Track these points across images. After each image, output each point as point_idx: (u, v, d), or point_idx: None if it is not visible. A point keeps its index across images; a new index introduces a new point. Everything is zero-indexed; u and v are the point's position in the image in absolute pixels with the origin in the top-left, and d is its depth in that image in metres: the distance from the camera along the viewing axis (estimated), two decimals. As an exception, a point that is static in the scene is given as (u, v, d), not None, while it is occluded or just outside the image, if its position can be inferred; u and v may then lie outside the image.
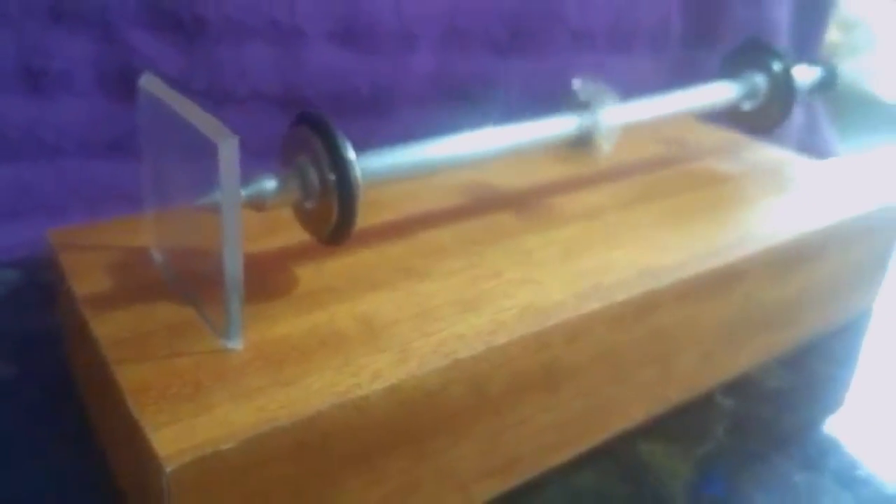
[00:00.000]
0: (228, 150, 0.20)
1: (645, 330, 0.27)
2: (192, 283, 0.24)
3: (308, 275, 0.26)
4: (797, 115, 0.63)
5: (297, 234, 0.26)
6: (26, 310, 0.35)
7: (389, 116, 0.48)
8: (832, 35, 0.83)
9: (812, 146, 0.65)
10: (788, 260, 0.31)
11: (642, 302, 0.26)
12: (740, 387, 0.32)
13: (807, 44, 0.64)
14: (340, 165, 0.24)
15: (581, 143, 0.31)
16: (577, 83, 0.31)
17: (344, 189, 0.24)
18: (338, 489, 0.21)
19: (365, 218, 0.25)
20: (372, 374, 0.21)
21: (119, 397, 0.20)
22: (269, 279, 0.26)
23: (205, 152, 0.21)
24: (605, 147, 0.31)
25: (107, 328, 0.23)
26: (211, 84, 0.44)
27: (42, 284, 0.34)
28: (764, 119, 0.37)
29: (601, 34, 0.53)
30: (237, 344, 0.22)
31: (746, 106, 0.37)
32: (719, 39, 0.56)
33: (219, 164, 0.20)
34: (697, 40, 0.57)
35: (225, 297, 0.21)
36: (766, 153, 0.40)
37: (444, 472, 0.24)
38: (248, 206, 0.23)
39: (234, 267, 0.21)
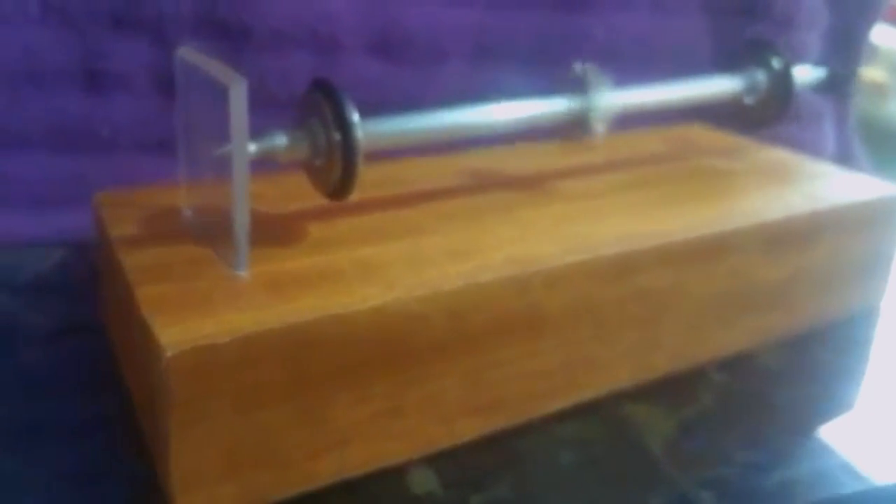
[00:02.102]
0: (238, 92, 0.23)
1: (627, 289, 0.29)
2: (214, 231, 0.27)
3: (318, 229, 0.29)
4: (830, 145, 0.64)
5: (312, 201, 0.29)
6: (70, 280, 0.38)
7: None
8: (879, 75, 0.84)
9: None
10: (777, 239, 0.32)
11: (623, 260, 0.28)
12: (734, 364, 0.33)
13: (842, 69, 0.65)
14: (344, 125, 0.26)
15: (577, 124, 0.33)
16: (576, 67, 0.34)
17: (347, 146, 0.26)
18: (326, 401, 0.24)
19: (378, 190, 0.28)
20: (361, 297, 0.24)
21: (136, 311, 0.23)
22: (282, 231, 0.29)
23: (222, 103, 0.24)
24: (600, 129, 0.33)
25: (133, 259, 0.26)
26: (254, 88, 0.47)
27: (88, 261, 0.38)
28: (763, 114, 0.39)
29: (628, 53, 0.55)
30: (244, 271, 0.25)
31: (748, 100, 0.39)
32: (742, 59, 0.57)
33: (230, 104, 0.23)
34: (724, 63, 0.58)
35: (233, 228, 0.24)
36: (772, 154, 0.41)
37: (428, 402, 0.26)
38: (261, 157, 0.26)
39: (240, 200, 0.24)
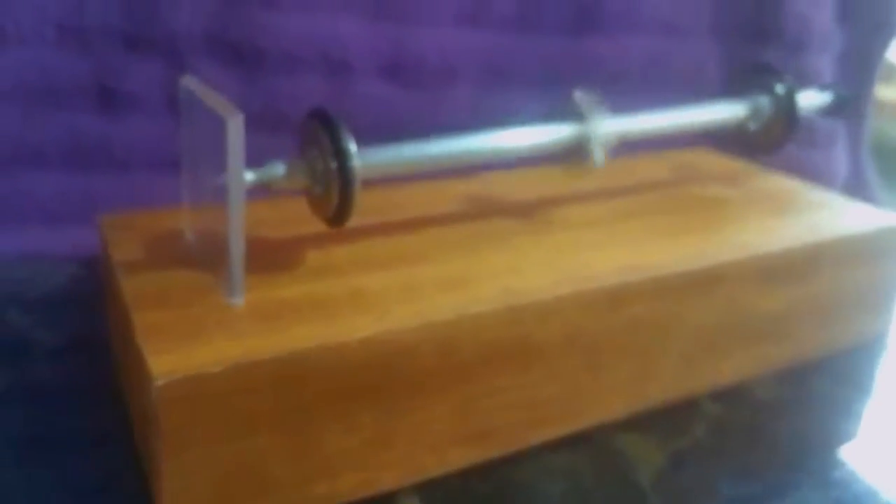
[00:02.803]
0: (235, 125, 0.24)
1: (620, 321, 0.29)
2: (213, 255, 0.28)
3: (316, 255, 0.29)
4: (843, 168, 0.64)
5: (313, 227, 0.29)
6: (80, 295, 0.39)
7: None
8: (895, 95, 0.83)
9: (857, 198, 0.65)
10: (774, 271, 0.32)
11: (616, 292, 0.28)
12: (730, 395, 0.33)
13: (852, 92, 0.65)
14: (341, 154, 0.27)
15: (577, 151, 0.33)
16: (577, 95, 0.34)
17: (343, 174, 0.27)
18: (316, 429, 0.24)
19: (378, 215, 0.28)
20: (352, 328, 0.24)
21: (132, 336, 0.24)
22: (279, 257, 0.29)
23: (221, 134, 0.24)
24: (600, 155, 0.33)
25: (132, 283, 0.26)
26: (266, 109, 0.49)
27: (98, 277, 0.39)
28: (768, 139, 0.39)
29: (637, 75, 0.55)
30: (239, 300, 0.25)
31: (752, 126, 0.39)
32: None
33: (227, 137, 0.24)
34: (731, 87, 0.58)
35: (228, 257, 0.25)
36: (776, 181, 0.41)
37: (418, 431, 0.26)
38: (258, 188, 0.27)
39: (236, 230, 0.25)
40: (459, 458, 0.27)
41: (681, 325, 0.31)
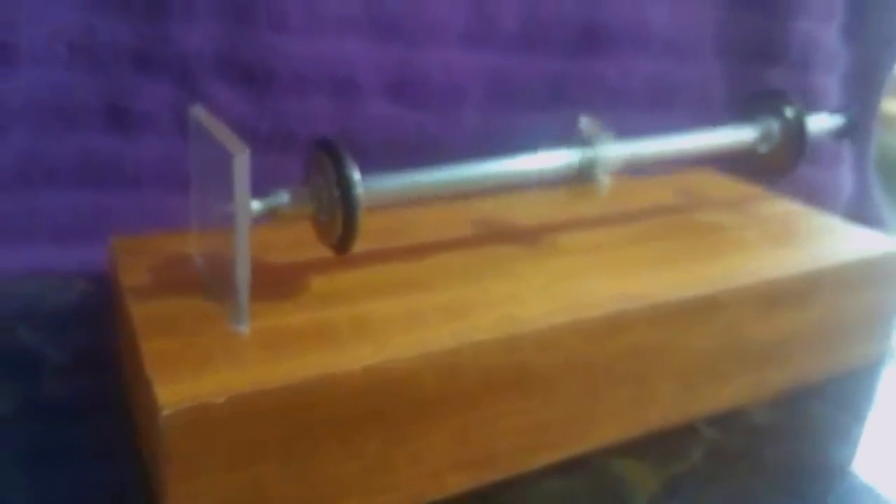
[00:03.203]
0: (241, 162, 0.24)
1: (618, 348, 0.29)
2: (221, 280, 0.29)
3: (321, 283, 0.30)
4: (848, 186, 0.64)
5: (318, 251, 0.30)
6: (90, 311, 0.40)
7: (436, 163, 0.53)
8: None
9: (861, 215, 0.66)
10: (772, 298, 0.33)
11: (613, 321, 0.29)
12: (727, 419, 0.34)
13: (859, 118, 0.65)
14: (344, 183, 0.28)
15: (582, 176, 0.34)
16: (583, 120, 0.35)
17: (347, 204, 0.28)
18: (319, 455, 0.25)
19: (382, 240, 0.29)
20: (354, 357, 0.25)
21: (140, 362, 0.24)
22: (284, 283, 0.30)
23: (228, 167, 0.25)
24: (605, 180, 0.34)
25: (141, 309, 0.27)
26: (275, 129, 0.49)
27: (108, 293, 0.40)
28: (777, 163, 0.40)
29: (640, 94, 0.56)
30: (244, 328, 0.26)
31: (761, 149, 0.40)
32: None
33: (233, 172, 0.24)
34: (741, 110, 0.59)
35: (234, 288, 0.26)
36: (779, 206, 0.41)
37: (418, 457, 0.27)
38: (265, 215, 0.28)
39: (242, 261, 0.25)
40: (459, 483, 0.28)
41: (678, 351, 0.31)
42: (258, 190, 0.46)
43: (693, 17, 0.55)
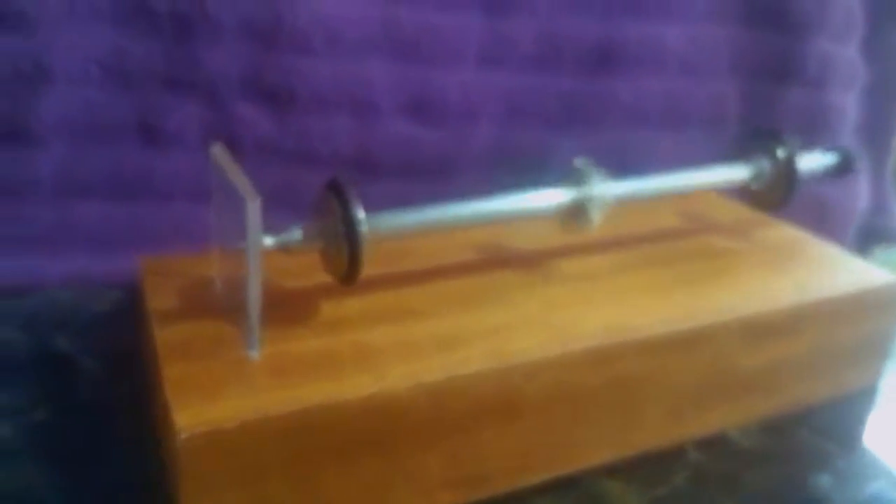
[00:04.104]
0: (254, 208, 0.27)
1: (605, 377, 0.31)
2: (236, 308, 0.31)
3: (329, 308, 0.32)
4: (864, 198, 0.65)
5: (328, 277, 0.32)
6: (124, 322, 0.43)
7: (452, 181, 0.55)
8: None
9: (878, 228, 0.66)
10: (759, 330, 0.34)
11: (601, 353, 0.31)
12: (714, 444, 0.35)
13: (878, 132, 0.66)
14: (349, 222, 0.30)
15: (574, 214, 0.36)
16: (577, 161, 0.36)
17: (351, 243, 0.30)
18: (319, 475, 0.27)
19: (386, 265, 0.32)
20: (354, 386, 0.27)
21: (161, 386, 0.27)
22: (296, 309, 0.32)
23: (243, 206, 0.27)
24: (596, 219, 0.36)
25: (164, 332, 0.30)
26: (298, 146, 0.52)
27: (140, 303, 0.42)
28: (769, 200, 0.41)
29: (654, 113, 0.57)
30: (255, 354, 0.29)
31: (754, 186, 0.41)
32: (777, 122, 0.58)
33: (246, 217, 0.27)
34: (756, 122, 0.59)
35: (246, 318, 0.28)
36: (780, 232, 0.43)
37: (413, 477, 0.29)
38: (278, 250, 0.30)
39: (254, 296, 0.28)
40: (450, 500, 0.30)
41: (664, 380, 0.33)
42: (281, 202, 0.49)
43: (708, 36, 0.56)
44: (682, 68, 0.56)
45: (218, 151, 0.32)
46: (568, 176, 0.36)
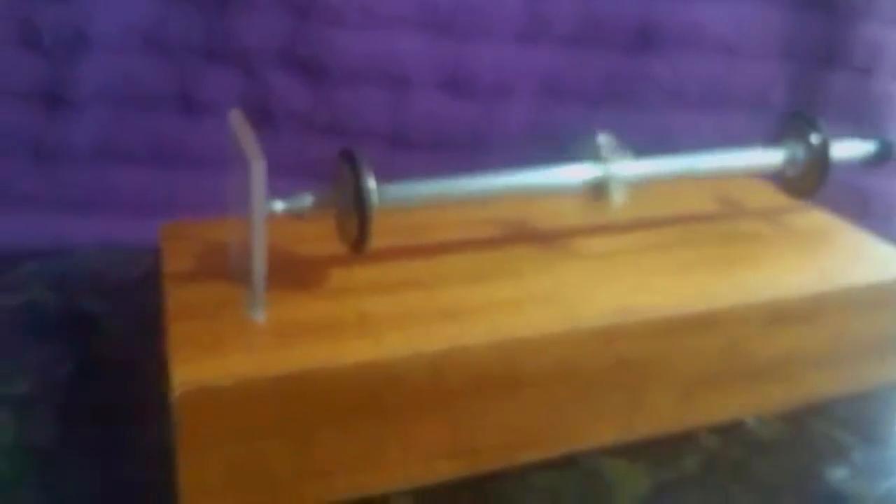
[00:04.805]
0: (257, 169, 0.27)
1: (610, 357, 0.31)
2: (245, 272, 0.31)
3: (339, 277, 0.33)
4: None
5: (343, 246, 0.32)
6: (152, 286, 0.44)
7: (485, 157, 0.54)
8: None
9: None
10: (776, 316, 0.33)
11: (606, 332, 0.30)
12: (728, 431, 0.35)
13: None
14: (359, 190, 0.30)
15: (596, 192, 0.35)
16: (601, 137, 0.36)
17: (361, 210, 0.30)
18: (314, 436, 0.27)
19: (401, 237, 0.33)
20: (351, 351, 0.27)
21: (167, 342, 0.28)
22: (307, 276, 0.32)
23: (248, 169, 0.28)
24: (617, 198, 0.35)
25: (176, 293, 0.31)
26: (331, 120, 0.52)
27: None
28: (801, 187, 0.40)
29: (695, 95, 0.55)
30: (260, 317, 0.29)
31: (788, 172, 0.40)
32: (823, 109, 0.56)
33: (250, 178, 0.27)
34: (801, 108, 0.57)
35: (250, 281, 0.28)
36: (815, 219, 0.41)
37: (410, 445, 0.29)
38: (290, 215, 0.30)
39: (258, 258, 0.28)
40: (448, 470, 0.30)
41: (675, 363, 0.32)
42: (314, 174, 0.49)
43: (752, 18, 0.55)
44: (725, 50, 0.54)
45: (235, 116, 0.32)
46: (590, 152, 0.35)
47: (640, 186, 0.36)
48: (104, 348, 0.39)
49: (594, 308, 0.31)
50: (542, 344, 0.29)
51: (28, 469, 0.30)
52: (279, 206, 0.30)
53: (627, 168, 0.35)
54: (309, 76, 0.51)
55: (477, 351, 0.28)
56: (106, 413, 0.34)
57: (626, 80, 0.54)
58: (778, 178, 0.42)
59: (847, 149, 0.40)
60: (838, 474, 0.33)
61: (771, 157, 0.39)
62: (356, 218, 0.30)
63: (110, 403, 0.34)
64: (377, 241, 0.34)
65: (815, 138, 0.39)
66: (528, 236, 0.37)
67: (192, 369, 0.26)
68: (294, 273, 0.32)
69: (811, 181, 0.39)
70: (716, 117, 0.56)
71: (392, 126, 0.53)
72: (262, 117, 0.52)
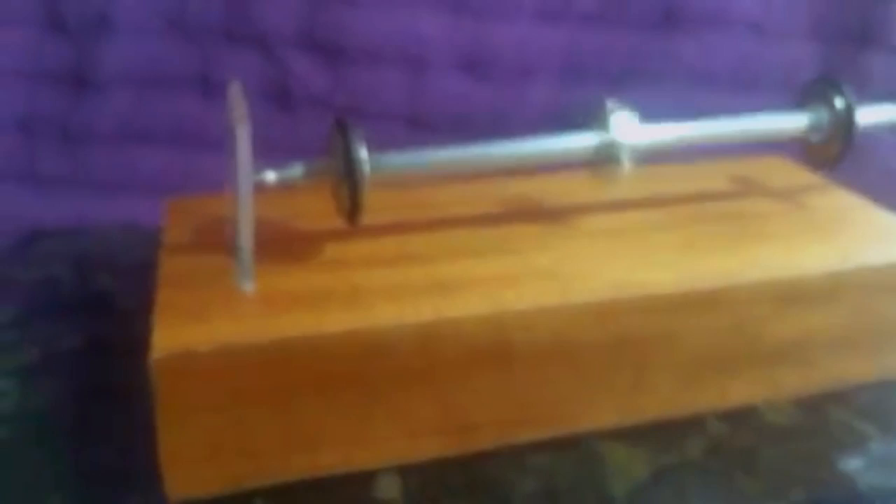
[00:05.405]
0: (242, 134, 0.27)
1: (607, 335, 0.30)
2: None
3: (334, 250, 0.32)
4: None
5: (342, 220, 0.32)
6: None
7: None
8: None
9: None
10: (787, 297, 0.32)
11: (604, 308, 0.29)
12: (740, 416, 0.33)
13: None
14: (350, 161, 0.29)
15: (602, 161, 0.34)
16: (608, 102, 0.34)
17: (352, 179, 0.29)
18: (298, 407, 0.27)
19: (404, 214, 0.32)
20: (336, 321, 0.27)
21: (153, 309, 0.28)
22: (302, 249, 0.32)
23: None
24: (627, 165, 0.34)
25: (170, 263, 0.31)
26: (349, 101, 0.52)
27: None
28: (826, 155, 0.38)
29: (722, 75, 0.54)
30: (248, 287, 0.29)
31: (813, 139, 0.38)
32: (858, 90, 0.54)
33: (236, 143, 0.27)
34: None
35: (238, 250, 0.28)
36: (838, 199, 0.39)
37: (397, 419, 0.28)
38: (281, 185, 0.30)
39: (245, 226, 0.28)
40: (437, 446, 0.29)
41: (677, 342, 0.31)
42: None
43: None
44: (753, 28, 0.53)
45: (234, 90, 0.32)
46: (597, 119, 0.34)
47: (651, 159, 0.35)
48: (113, 326, 0.39)
49: (592, 283, 0.30)
50: (535, 318, 0.29)
51: (25, 436, 0.31)
52: (271, 176, 0.30)
53: (635, 133, 0.34)
54: (327, 58, 0.51)
55: (467, 323, 0.28)
56: (105, 388, 0.34)
57: (650, 60, 0.53)
58: (803, 151, 0.40)
59: (875, 113, 0.38)
60: (852, 464, 0.31)
61: (793, 121, 0.37)
62: (347, 187, 0.30)
63: (110, 379, 0.35)
64: (378, 216, 0.33)
65: (839, 101, 0.37)
66: (533, 213, 0.36)
67: (171, 334, 0.26)
68: (291, 246, 0.32)
69: (836, 148, 0.37)
70: (745, 98, 0.54)
71: (411, 108, 0.52)
72: (281, 99, 0.52)
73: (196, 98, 0.52)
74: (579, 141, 0.33)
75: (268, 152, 0.51)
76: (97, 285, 0.43)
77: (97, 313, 0.40)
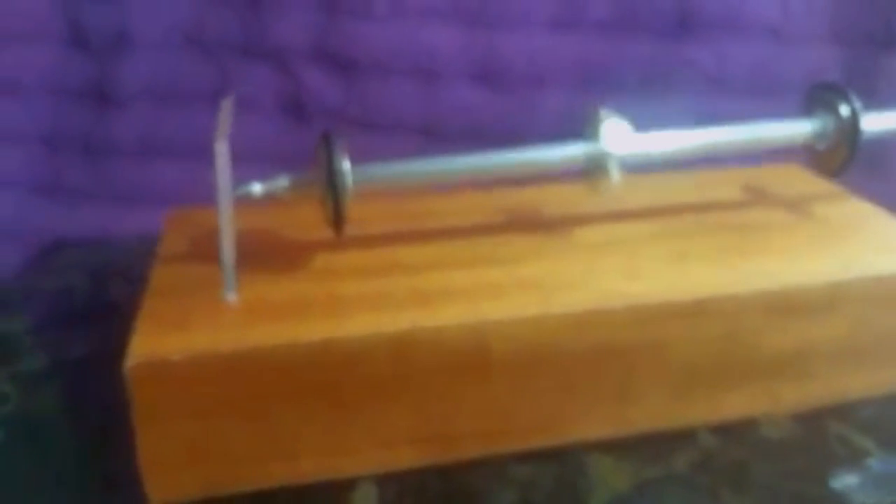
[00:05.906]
0: (220, 150, 0.27)
1: (589, 346, 0.29)
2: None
3: (323, 261, 0.33)
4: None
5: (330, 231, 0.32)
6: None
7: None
8: None
9: None
10: (785, 307, 0.31)
11: (586, 318, 0.29)
12: (733, 430, 0.32)
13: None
14: (333, 173, 0.30)
15: (592, 170, 0.33)
16: (602, 112, 0.34)
17: (335, 191, 0.30)
18: (276, 416, 0.28)
19: (395, 225, 0.33)
20: (311, 330, 0.27)
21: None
22: (290, 260, 0.33)
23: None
24: (616, 176, 0.33)
25: (161, 272, 0.31)
26: (363, 113, 0.53)
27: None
28: (832, 163, 0.37)
29: (740, 81, 0.53)
30: (232, 297, 0.29)
31: (819, 147, 0.37)
32: (882, 96, 0.53)
33: (215, 159, 0.27)
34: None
35: (221, 261, 0.29)
36: (849, 208, 0.38)
37: (373, 428, 0.29)
38: (266, 197, 0.31)
39: (226, 238, 0.28)
40: (415, 456, 0.29)
41: (665, 354, 0.30)
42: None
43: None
44: (770, 33, 0.51)
45: (225, 106, 0.33)
46: (588, 128, 0.34)
47: (648, 168, 0.35)
48: (122, 336, 0.40)
49: (575, 293, 0.30)
50: (515, 328, 0.28)
51: (20, 440, 0.32)
52: (257, 188, 0.31)
53: (626, 143, 0.33)
54: (340, 70, 0.52)
55: (444, 332, 0.28)
56: (105, 395, 0.35)
57: (665, 67, 0.52)
58: (810, 159, 0.39)
59: (882, 120, 0.37)
60: (846, 481, 0.30)
61: (797, 129, 0.36)
62: (331, 199, 0.30)
63: (111, 386, 0.35)
64: (368, 227, 0.34)
65: (844, 109, 0.36)
66: (526, 224, 0.36)
67: (148, 342, 0.26)
68: (280, 257, 0.33)
69: (842, 155, 0.36)
70: (762, 106, 0.52)
71: (424, 119, 0.53)
72: (296, 112, 0.53)
73: (213, 112, 0.52)
74: (566, 151, 0.33)
75: (282, 164, 0.52)
76: (110, 295, 0.44)
77: (108, 324, 0.41)
